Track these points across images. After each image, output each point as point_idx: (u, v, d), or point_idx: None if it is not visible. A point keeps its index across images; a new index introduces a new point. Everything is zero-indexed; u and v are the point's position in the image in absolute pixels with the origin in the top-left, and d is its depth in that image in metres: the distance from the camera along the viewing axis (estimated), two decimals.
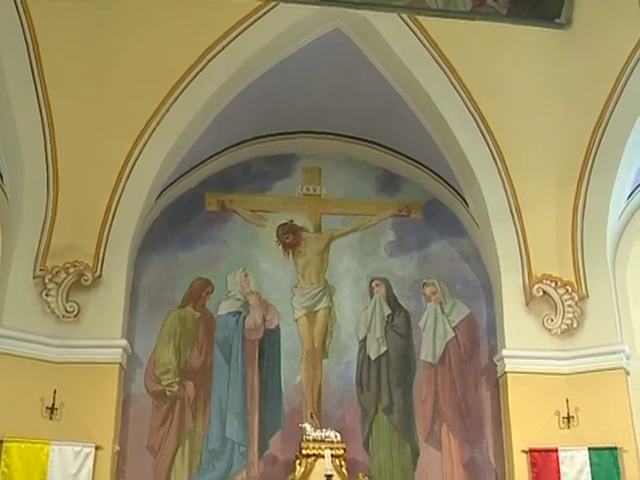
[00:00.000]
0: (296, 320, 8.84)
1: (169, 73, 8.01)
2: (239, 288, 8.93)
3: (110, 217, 8.17)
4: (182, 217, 9.10)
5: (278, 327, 8.79)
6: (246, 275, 8.98)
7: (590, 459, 7.91)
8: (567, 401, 8.20)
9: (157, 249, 8.91)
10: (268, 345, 8.71)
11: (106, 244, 8.15)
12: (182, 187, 9.12)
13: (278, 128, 9.23)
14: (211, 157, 9.13)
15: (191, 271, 8.91)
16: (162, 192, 8.80)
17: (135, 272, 8.70)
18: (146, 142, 8.14)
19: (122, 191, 8.16)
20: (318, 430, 7.93)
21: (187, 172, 9.01)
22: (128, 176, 8.17)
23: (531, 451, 8.04)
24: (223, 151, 9.17)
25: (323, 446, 7.73)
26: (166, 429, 8.30)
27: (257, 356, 8.65)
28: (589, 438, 7.99)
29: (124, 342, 8.11)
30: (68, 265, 8.02)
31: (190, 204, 9.16)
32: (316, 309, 8.90)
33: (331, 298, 8.95)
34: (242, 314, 8.81)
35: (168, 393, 8.43)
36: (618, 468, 7.86)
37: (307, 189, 9.40)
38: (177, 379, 8.48)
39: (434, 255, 9.18)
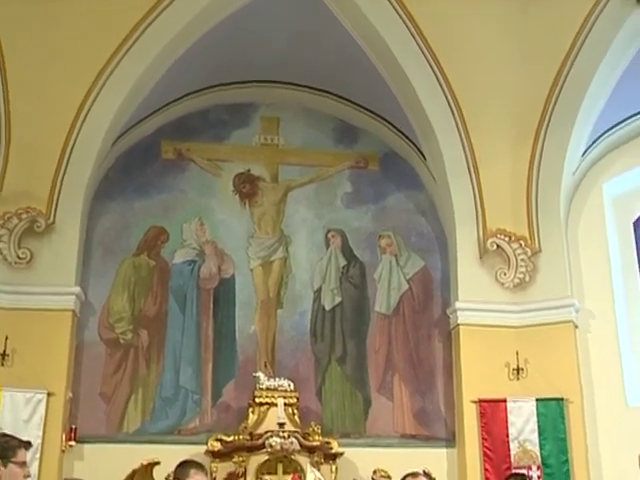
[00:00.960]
0: (251, 270, 8.84)
1: (125, 19, 7.87)
2: (194, 237, 8.89)
3: (64, 163, 8.05)
4: (138, 165, 8.99)
5: (233, 276, 8.79)
6: (202, 224, 8.93)
7: (537, 409, 8.09)
8: (517, 353, 8.34)
9: (112, 197, 8.82)
10: (223, 294, 8.71)
11: (60, 190, 8.05)
12: (138, 134, 9.00)
13: (237, 76, 9.13)
14: (168, 104, 9.00)
15: (146, 219, 8.84)
16: (118, 139, 8.68)
17: (89, 220, 8.62)
18: (101, 88, 8.01)
19: (77, 137, 8.04)
20: (271, 379, 7.98)
21: (144, 119, 8.89)
22: (83, 122, 8.04)
23: (480, 401, 8.19)
24: (181, 98, 9.05)
25: (276, 395, 7.78)
26: (119, 376, 8.30)
27: (212, 305, 8.65)
28: (537, 389, 8.16)
29: (77, 289, 8.06)
30: (21, 211, 7.91)
31: (146, 152, 9.06)
32: (271, 259, 8.91)
33: (287, 248, 8.95)
34: (197, 263, 8.79)
35: (122, 341, 8.42)
36: (563, 418, 8.05)
37: (265, 139, 9.34)
38: (131, 327, 8.46)
39: (390, 207, 9.21)
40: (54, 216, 7.99)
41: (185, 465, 5.83)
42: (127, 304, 8.52)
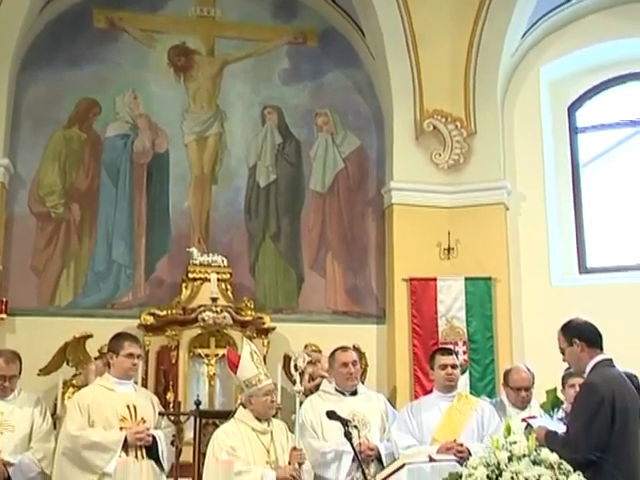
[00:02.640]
0: (186, 145, 8.70)
1: None
2: (128, 110, 8.67)
3: None
4: (68, 33, 8.62)
5: (167, 151, 8.64)
6: (135, 97, 8.71)
7: (466, 288, 8.32)
8: (448, 233, 8.49)
9: (41, 66, 8.48)
10: (156, 169, 8.58)
11: None
12: (69, 0, 8.62)
13: None
14: None
15: (77, 91, 8.56)
16: (46, 4, 8.32)
17: (17, 89, 8.32)
18: None
19: (1, 1, 7.68)
20: (205, 255, 7.98)
21: None
22: None
23: (411, 280, 8.37)
24: None
25: (209, 270, 7.79)
26: (51, 250, 8.21)
27: (145, 180, 8.53)
28: (466, 269, 8.36)
29: (5, 161, 7.88)
30: None
31: (77, 20, 8.68)
32: (206, 135, 8.76)
33: (222, 124, 8.81)
34: (130, 137, 8.61)
35: (53, 215, 8.29)
36: (491, 296, 8.31)
37: (201, 10, 9.03)
38: (62, 201, 8.32)
39: (328, 85, 9.08)
40: None
41: (119, 337, 5.90)
42: (58, 177, 8.35)
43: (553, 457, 3.94)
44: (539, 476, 3.79)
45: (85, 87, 8.58)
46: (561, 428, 4.72)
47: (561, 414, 5.65)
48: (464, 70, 8.66)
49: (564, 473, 3.87)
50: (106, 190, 8.43)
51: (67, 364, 7.60)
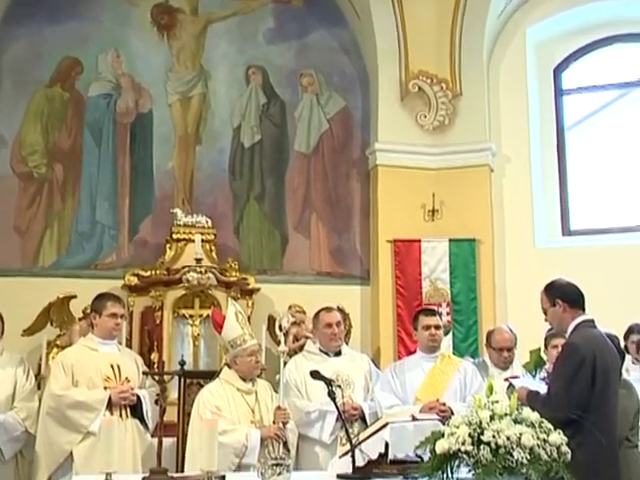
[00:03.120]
0: (169, 105, 8.62)
1: None
2: (110, 70, 8.57)
3: None
4: None
5: (151, 111, 8.56)
6: (118, 56, 8.60)
7: (450, 249, 8.34)
8: (433, 195, 8.48)
9: (22, 22, 8.34)
10: (140, 129, 8.51)
11: None
12: None
13: None
14: None
15: (59, 49, 8.43)
16: None
17: None
18: None
19: None
20: (189, 215, 7.94)
21: None
22: None
23: (395, 241, 8.38)
24: None
25: (194, 231, 7.76)
26: (34, 211, 8.16)
27: (128, 140, 8.45)
28: (451, 230, 8.38)
29: None
30: None
31: None
32: (190, 95, 8.68)
33: (206, 84, 8.72)
34: (113, 97, 8.51)
35: (35, 175, 8.22)
36: (474, 258, 8.34)
37: None
38: (45, 161, 8.25)
39: (313, 45, 8.99)
40: None
41: (102, 298, 5.90)
42: (40, 137, 8.27)
43: (534, 416, 3.98)
44: (520, 434, 3.83)
45: (67, 45, 8.46)
46: (543, 388, 4.77)
47: (543, 374, 5.70)
48: (450, 31, 8.61)
49: (545, 431, 3.92)
50: (89, 150, 8.36)
51: (51, 325, 7.59)
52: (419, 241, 8.37)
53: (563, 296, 4.72)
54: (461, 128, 8.63)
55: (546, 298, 4.79)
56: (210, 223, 7.96)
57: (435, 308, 7.09)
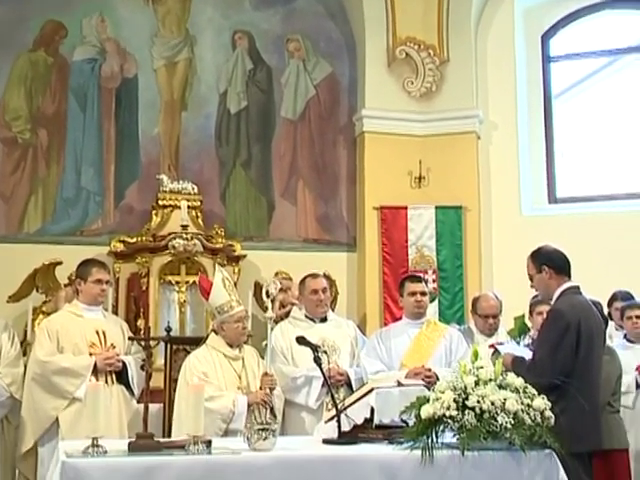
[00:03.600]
0: (155, 70, 8.53)
1: None
2: (95, 34, 8.46)
3: None
4: None
5: (136, 77, 8.47)
6: (103, 20, 8.49)
7: (436, 217, 8.35)
8: (420, 162, 8.47)
9: None
10: (125, 94, 8.42)
11: None
12: None
13: None
14: None
15: (43, 13, 8.31)
16: None
17: None
18: None
19: None
20: (175, 182, 7.90)
21: None
22: None
23: (382, 208, 8.38)
24: None
25: (180, 197, 7.72)
26: (18, 176, 8.09)
27: (114, 106, 8.37)
28: (437, 197, 8.38)
29: None
30: None
31: None
32: (176, 60, 8.58)
33: (192, 49, 8.63)
34: (98, 61, 8.42)
35: (20, 140, 8.15)
36: (461, 225, 8.36)
37: None
38: (29, 126, 8.16)
39: (300, 10, 8.89)
40: None
41: (86, 264, 5.87)
42: (24, 102, 8.18)
43: (518, 381, 4.02)
44: (504, 400, 3.87)
45: (50, 9, 8.33)
46: (528, 354, 4.80)
47: (528, 340, 5.74)
48: None
49: (529, 397, 3.96)
50: (74, 115, 8.29)
51: (37, 291, 7.56)
52: (405, 208, 8.37)
53: (549, 263, 4.74)
54: (448, 95, 8.60)
55: (532, 264, 4.80)
56: (196, 189, 7.92)
57: (421, 275, 7.10)
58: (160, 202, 7.80)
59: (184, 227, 7.39)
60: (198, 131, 8.54)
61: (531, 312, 6.28)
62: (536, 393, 3.98)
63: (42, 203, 8.13)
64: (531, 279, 4.82)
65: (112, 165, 8.31)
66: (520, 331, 6.39)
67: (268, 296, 5.55)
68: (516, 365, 4.57)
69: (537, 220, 8.46)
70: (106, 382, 5.45)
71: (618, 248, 8.11)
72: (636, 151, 8.86)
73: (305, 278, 6.18)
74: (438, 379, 4.90)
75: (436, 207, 8.35)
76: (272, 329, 5.69)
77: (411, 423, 4.03)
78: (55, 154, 8.20)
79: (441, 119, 8.53)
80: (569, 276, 4.78)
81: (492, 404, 3.85)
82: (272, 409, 5.25)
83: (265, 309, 5.62)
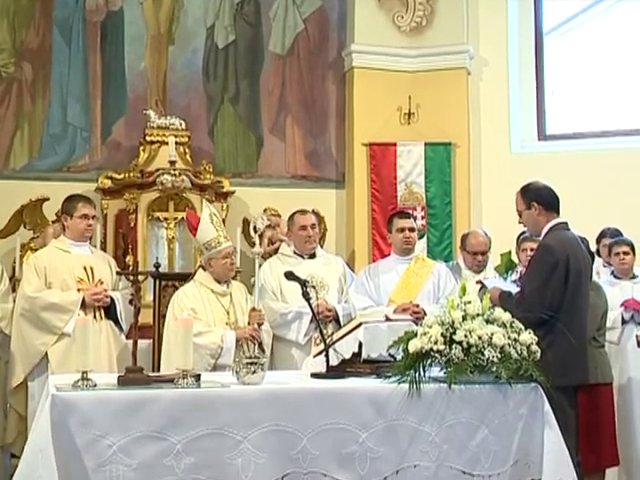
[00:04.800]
0: (141, 3, 8.32)
1: None
2: None
3: None
4: None
5: (122, 9, 8.28)
6: None
7: (425, 153, 8.30)
8: (409, 98, 8.39)
9: None
10: (111, 28, 8.25)
11: None
12: None
13: None
14: None
15: None
16: None
17: None
18: None
19: None
20: (162, 117, 7.81)
21: None
22: None
23: (371, 144, 8.32)
24: None
25: (167, 133, 7.63)
26: (3, 112, 7.96)
27: (99, 40, 8.20)
28: (427, 134, 8.31)
29: None
30: None
31: None
32: None
33: None
34: None
35: (4, 74, 8.00)
36: (450, 162, 8.31)
37: None
38: (13, 60, 7.99)
39: None
40: None
41: (72, 199, 5.84)
42: (7, 35, 8.00)
43: (506, 316, 4.05)
44: (492, 334, 3.90)
45: None
46: (515, 289, 4.83)
47: (514, 276, 5.77)
48: None
49: (516, 331, 3.99)
50: (59, 49, 8.13)
51: (24, 227, 7.53)
52: (395, 144, 8.32)
53: (539, 199, 4.73)
54: (438, 30, 8.49)
55: (522, 200, 4.79)
56: (184, 125, 7.82)
57: (410, 212, 7.10)
58: (147, 138, 7.72)
59: (172, 163, 7.32)
60: (185, 66, 8.41)
61: (518, 248, 6.30)
62: (523, 328, 4.01)
63: (28, 139, 8.03)
64: (520, 215, 4.82)
65: (98, 100, 8.19)
66: (507, 267, 6.40)
67: (255, 232, 5.55)
68: (504, 300, 4.60)
69: (526, 157, 8.44)
70: (94, 318, 5.47)
71: (607, 185, 8.10)
72: (626, 88, 8.80)
73: (294, 214, 6.18)
74: (426, 315, 4.92)
75: (425, 143, 8.30)
76: (260, 265, 5.69)
77: (399, 358, 4.06)
78: (40, 89, 8.08)
79: (431, 54, 8.42)
80: (558, 213, 4.78)
81: (479, 338, 3.88)
82: (260, 344, 5.29)
83: (253, 245, 5.61)
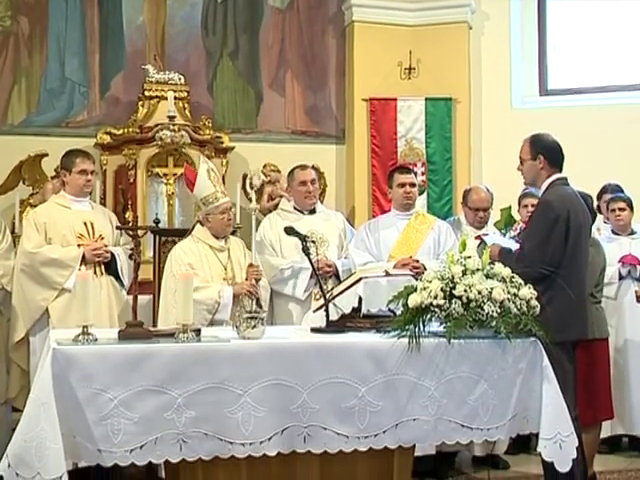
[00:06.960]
0: None
1: None
2: None
3: None
4: None
5: None
6: None
7: (426, 109, 8.26)
8: (410, 53, 8.33)
9: None
10: None
11: None
12: None
13: None
14: None
15: None
16: None
17: None
18: None
19: None
20: (161, 72, 7.74)
21: None
22: None
23: (371, 100, 8.28)
24: None
25: (166, 88, 7.56)
26: (0, 66, 7.92)
27: None
28: (427, 89, 8.27)
29: None
30: None
31: None
32: None
33: None
34: None
35: (0, 28, 7.95)
36: (450, 117, 8.28)
37: None
38: (9, 13, 7.89)
39: None
40: None
41: (70, 154, 5.80)
42: None
43: (506, 271, 4.05)
44: (491, 289, 3.91)
45: None
46: (514, 245, 4.82)
47: (513, 232, 5.76)
48: None
49: (515, 286, 4.00)
50: (55, 2, 8.01)
51: (23, 183, 7.50)
52: (395, 100, 8.28)
53: (546, 153, 4.69)
54: None
55: (528, 149, 4.73)
56: (183, 80, 7.76)
57: (410, 167, 7.07)
58: (146, 93, 7.67)
59: (171, 118, 7.26)
60: (184, 20, 8.32)
61: (519, 204, 6.29)
62: (522, 283, 4.02)
63: (26, 94, 7.96)
64: (522, 162, 4.77)
65: (96, 55, 8.11)
66: (506, 223, 6.41)
67: (252, 187, 5.54)
68: (504, 256, 4.59)
69: (528, 112, 8.39)
70: (95, 273, 5.46)
71: (609, 141, 8.08)
72: (628, 43, 8.73)
73: (293, 170, 6.15)
74: (426, 270, 4.93)
75: (426, 99, 8.26)
76: (258, 220, 5.67)
77: (398, 312, 4.07)
78: (38, 43, 7.99)
79: (432, 8, 8.35)
80: (560, 170, 4.75)
81: (479, 293, 3.88)
82: (258, 300, 5.29)
83: (250, 200, 5.59)
